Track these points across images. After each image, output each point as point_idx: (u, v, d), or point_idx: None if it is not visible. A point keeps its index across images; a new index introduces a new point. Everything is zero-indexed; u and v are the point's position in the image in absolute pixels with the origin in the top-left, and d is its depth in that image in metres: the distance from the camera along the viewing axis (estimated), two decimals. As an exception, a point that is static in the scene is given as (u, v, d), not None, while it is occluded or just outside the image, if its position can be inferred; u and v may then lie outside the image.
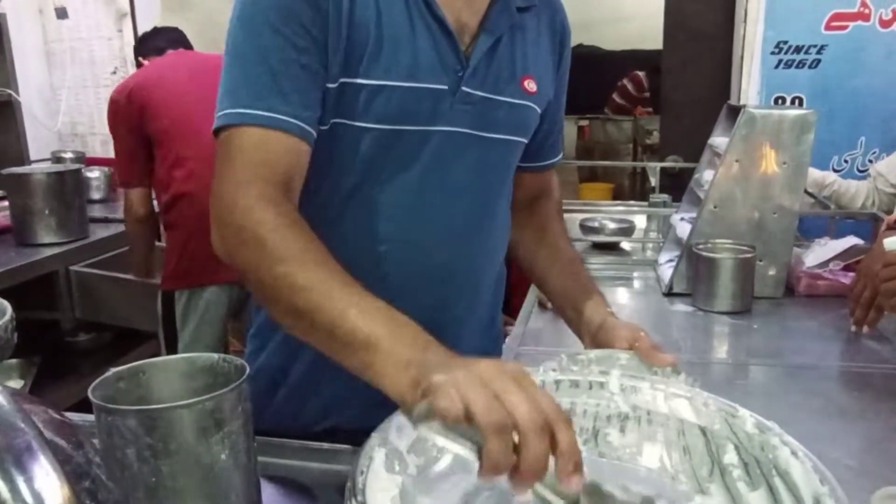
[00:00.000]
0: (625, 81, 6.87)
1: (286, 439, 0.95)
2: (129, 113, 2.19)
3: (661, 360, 0.83)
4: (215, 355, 0.81)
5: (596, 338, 0.93)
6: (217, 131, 0.85)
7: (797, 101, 2.72)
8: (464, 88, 0.93)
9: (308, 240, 0.79)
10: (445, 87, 0.92)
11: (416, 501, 0.68)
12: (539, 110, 1.04)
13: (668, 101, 3.25)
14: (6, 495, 0.38)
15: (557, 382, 0.82)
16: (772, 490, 0.68)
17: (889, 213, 1.87)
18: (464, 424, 0.56)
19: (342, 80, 0.88)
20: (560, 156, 1.19)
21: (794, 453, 0.67)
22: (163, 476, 0.69)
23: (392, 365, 0.66)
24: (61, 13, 3.32)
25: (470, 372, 0.59)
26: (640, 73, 6.72)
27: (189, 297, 2.25)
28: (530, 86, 1.00)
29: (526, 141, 1.05)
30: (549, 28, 1.06)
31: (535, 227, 1.15)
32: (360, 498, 0.59)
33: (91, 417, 0.72)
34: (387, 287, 0.95)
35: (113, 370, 0.76)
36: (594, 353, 0.85)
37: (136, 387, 0.77)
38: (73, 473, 0.41)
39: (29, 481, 0.39)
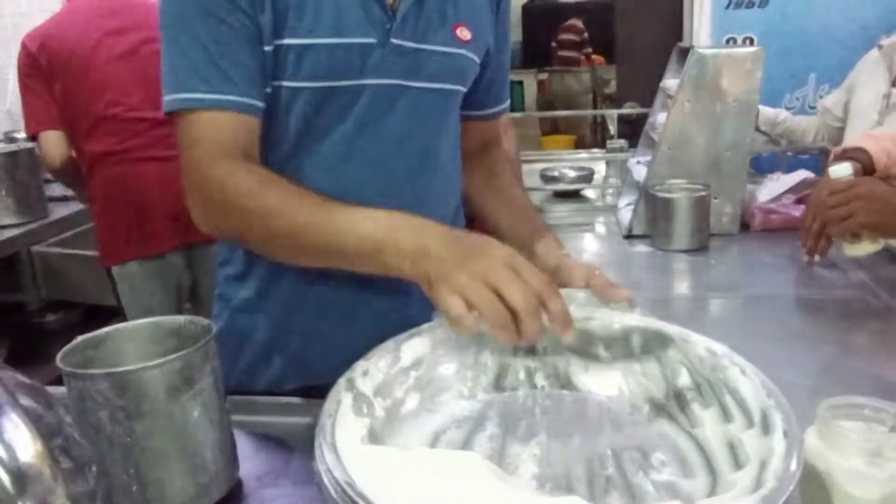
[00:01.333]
0: (563, 34, 6.87)
1: (258, 396, 0.97)
2: (38, 64, 2.08)
3: (617, 295, 0.86)
4: (181, 318, 0.82)
5: (553, 279, 0.95)
6: (169, 114, 0.89)
7: (748, 41, 2.74)
8: (393, 41, 0.94)
9: (282, 187, 0.86)
10: (374, 41, 0.93)
11: (384, 442, 0.70)
12: (477, 59, 1.05)
13: (623, 48, 3.27)
14: (-22, 450, 0.39)
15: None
16: (723, 407, 0.71)
17: (837, 145, 1.91)
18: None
19: (275, 42, 0.90)
20: (506, 104, 1.20)
21: (742, 372, 0.71)
22: (137, 436, 0.70)
23: (404, 261, 0.77)
24: (1, -11, 3.23)
25: (470, 274, 0.71)
26: (575, 20, 6.72)
27: (122, 273, 2.15)
28: (464, 34, 1.01)
29: (464, 89, 1.06)
30: None
31: (484, 174, 1.16)
32: (329, 439, 0.61)
33: (64, 390, 0.72)
34: None
35: (80, 337, 0.77)
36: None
37: (104, 353, 0.78)
38: (45, 432, 0.42)
39: (0, 437, 0.40)
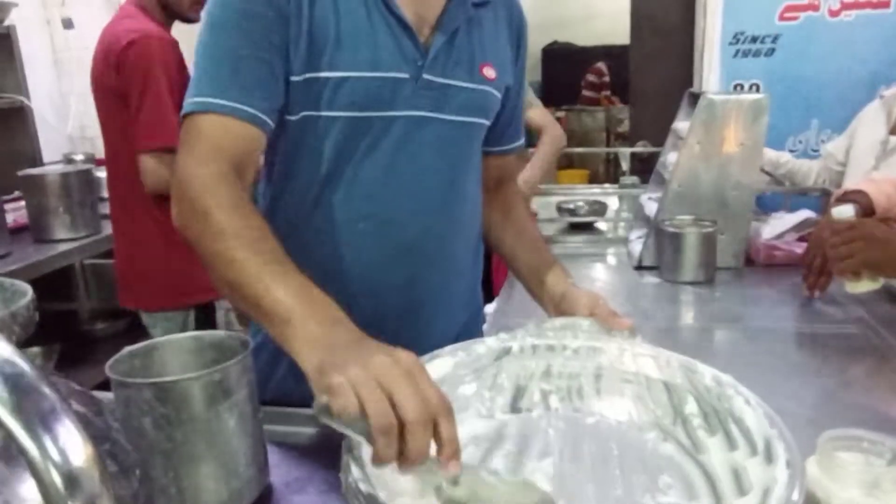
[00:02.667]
0: (588, 75, 6.91)
1: (289, 408, 0.97)
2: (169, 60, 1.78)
3: (619, 324, 0.86)
4: (221, 332, 0.83)
5: (559, 307, 0.96)
6: (183, 118, 0.87)
7: (754, 88, 2.74)
8: (425, 76, 0.96)
9: (248, 218, 0.79)
10: (407, 76, 0.94)
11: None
12: (499, 95, 1.06)
13: (637, 91, 3.27)
14: (34, 453, 0.39)
15: (535, 347, 0.84)
16: (728, 435, 0.70)
17: (838, 188, 1.90)
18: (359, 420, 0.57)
19: (307, 74, 0.90)
20: (521, 141, 1.21)
21: (747, 402, 0.70)
22: (177, 442, 0.70)
23: (302, 341, 0.67)
24: (67, 24, 3.30)
25: (367, 370, 0.59)
26: (600, 64, 6.77)
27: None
28: (489, 72, 1.02)
29: (487, 123, 1.07)
30: (506, 22, 1.08)
31: (501, 209, 1.17)
32: (356, 453, 0.61)
33: (110, 395, 0.73)
34: (366, 262, 0.98)
35: (127, 348, 0.78)
36: (558, 321, 0.87)
37: (149, 363, 0.79)
38: (94, 436, 0.42)
39: (55, 440, 0.40)
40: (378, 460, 0.58)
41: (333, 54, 0.90)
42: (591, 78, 6.92)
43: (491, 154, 1.15)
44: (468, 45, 1.00)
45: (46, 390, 0.42)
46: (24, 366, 0.42)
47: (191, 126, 0.86)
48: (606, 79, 6.72)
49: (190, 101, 0.86)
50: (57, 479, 0.39)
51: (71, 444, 0.40)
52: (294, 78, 0.91)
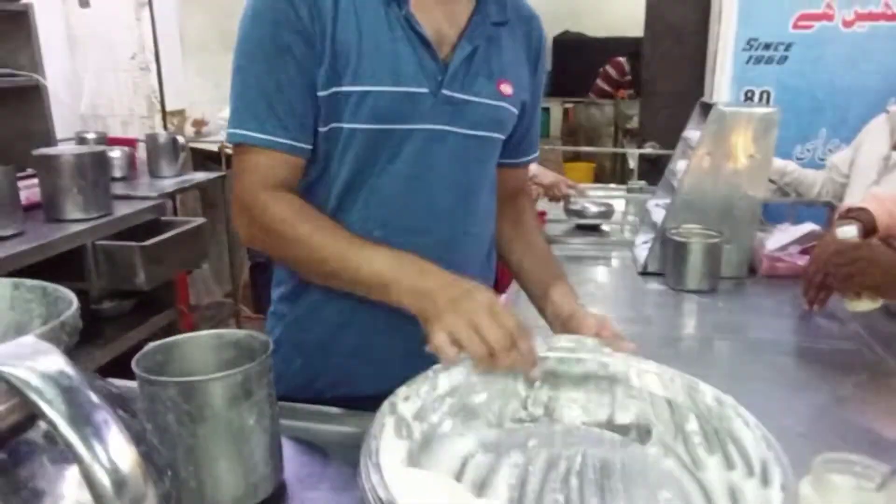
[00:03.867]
0: (607, 67, 6.85)
1: (304, 404, 1.00)
2: None
3: (623, 347, 0.90)
4: (241, 332, 0.86)
5: (566, 325, 0.99)
6: (233, 145, 0.98)
7: (765, 95, 2.75)
8: (444, 91, 0.98)
9: (310, 219, 0.95)
10: (427, 91, 0.97)
11: (420, 462, 0.72)
12: (515, 111, 1.09)
13: (648, 91, 3.28)
14: (89, 462, 0.42)
15: (544, 359, 0.87)
16: (726, 455, 0.73)
17: (840, 200, 1.92)
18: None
19: (333, 89, 0.95)
20: (536, 154, 1.24)
21: (746, 424, 0.73)
22: (199, 438, 0.73)
23: (403, 296, 0.87)
24: (83, 2, 3.30)
25: (458, 315, 0.81)
26: (622, 59, 6.70)
27: None
28: (506, 89, 1.05)
29: (503, 137, 1.10)
30: (524, 39, 1.11)
31: (512, 221, 1.20)
32: (374, 459, 0.64)
33: (127, 383, 0.76)
34: None
35: (151, 344, 0.81)
36: (564, 339, 0.90)
37: (172, 359, 0.81)
38: (132, 440, 0.45)
39: (106, 449, 0.43)
40: (479, 371, 0.83)
41: (356, 69, 0.94)
42: (610, 71, 6.84)
43: (505, 166, 1.17)
44: (486, 63, 1.03)
45: (97, 401, 0.45)
46: (76, 377, 0.45)
47: (242, 157, 0.97)
48: (628, 77, 6.63)
49: (233, 131, 0.96)
50: (107, 484, 0.42)
51: (119, 452, 0.43)
52: (321, 93, 0.95)
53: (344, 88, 0.94)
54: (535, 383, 0.86)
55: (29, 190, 2.41)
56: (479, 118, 1.03)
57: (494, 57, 1.04)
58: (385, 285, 0.88)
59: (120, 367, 0.75)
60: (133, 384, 0.76)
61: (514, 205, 1.21)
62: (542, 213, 2.17)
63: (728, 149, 1.68)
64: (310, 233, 0.93)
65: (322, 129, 0.97)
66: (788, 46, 2.69)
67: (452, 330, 0.80)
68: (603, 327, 0.94)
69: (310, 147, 0.98)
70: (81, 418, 0.43)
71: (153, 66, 3.41)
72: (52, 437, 0.54)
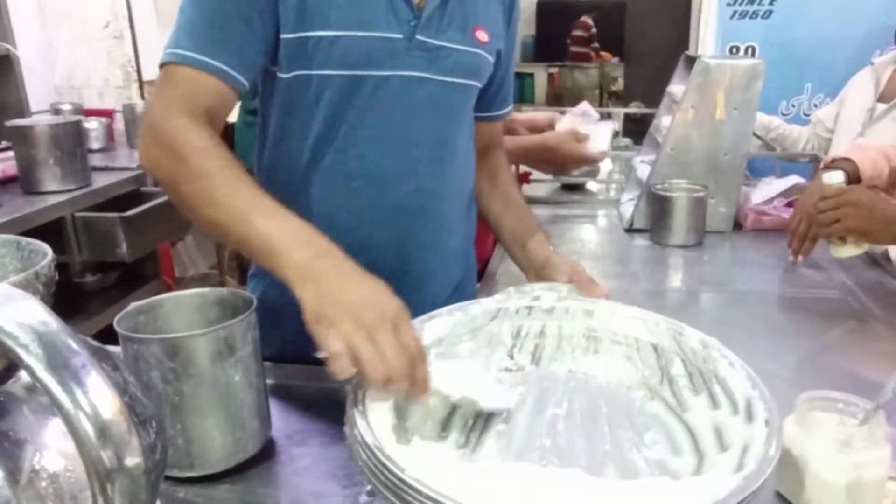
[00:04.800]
0: (575, 30, 6.85)
1: (290, 363, 1.00)
2: None
3: (596, 291, 0.91)
4: (225, 290, 0.86)
5: (540, 273, 1.01)
6: (161, 66, 0.91)
7: (750, 50, 2.74)
8: (418, 37, 0.97)
9: (225, 158, 0.84)
10: (400, 36, 0.96)
11: (407, 410, 0.73)
12: (491, 59, 1.08)
13: (632, 50, 3.27)
14: (69, 407, 0.42)
15: (529, 308, 0.88)
16: (711, 395, 0.74)
17: (825, 154, 1.93)
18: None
19: (299, 33, 0.92)
20: (510, 107, 1.23)
21: (730, 364, 0.74)
22: (184, 395, 0.74)
23: (292, 270, 0.75)
24: (53, -31, 3.23)
25: (357, 325, 0.69)
26: (585, 18, 6.70)
27: None
28: (482, 36, 1.04)
29: (479, 85, 1.09)
30: None
31: (487, 174, 1.20)
32: (360, 407, 0.64)
33: (115, 348, 0.76)
34: (361, 220, 1.01)
35: (134, 304, 0.80)
36: (538, 286, 0.91)
37: (154, 319, 0.81)
38: (115, 388, 0.45)
39: (86, 394, 0.43)
40: (368, 387, 0.69)
41: (326, 13, 0.92)
42: (577, 32, 6.84)
43: (479, 120, 1.17)
44: (461, 8, 1.01)
45: (77, 347, 0.45)
46: (55, 324, 0.45)
47: (167, 76, 0.90)
48: (594, 30, 6.65)
49: (169, 51, 0.89)
50: (89, 429, 0.42)
51: (101, 398, 0.43)
52: (285, 35, 0.93)
53: (313, 33, 0.92)
54: (521, 332, 0.86)
55: (4, 163, 2.38)
56: (455, 65, 1.02)
57: (469, 4, 1.03)
58: (272, 254, 0.77)
59: (105, 343, 0.74)
60: (117, 349, 0.75)
61: (489, 159, 1.21)
62: (527, 174, 2.16)
63: (713, 102, 1.68)
64: (216, 170, 0.82)
65: (285, 76, 0.96)
66: (773, 0, 2.67)
67: (351, 342, 0.68)
68: (576, 273, 0.95)
69: (245, 83, 0.92)
70: (60, 363, 0.43)
71: (128, 35, 3.35)
72: (33, 388, 0.54)
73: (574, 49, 6.92)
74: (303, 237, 0.77)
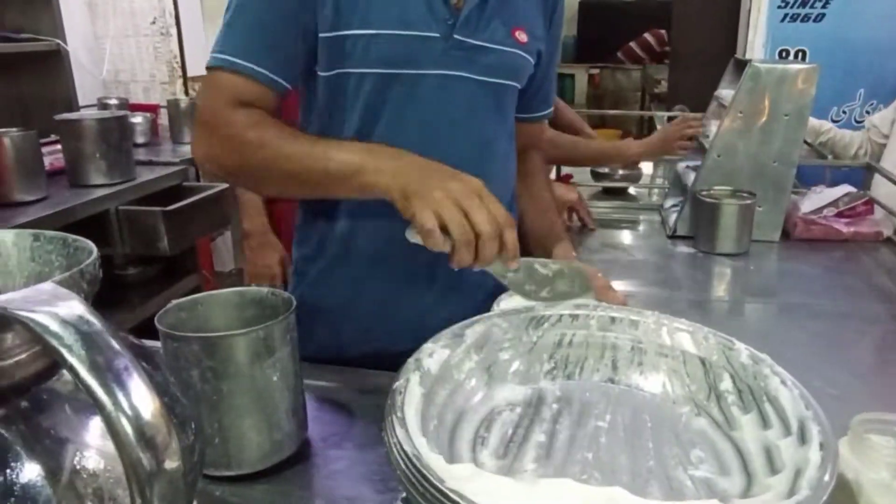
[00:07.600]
0: (647, 35, 6.74)
1: (328, 364, 1.00)
2: None
3: (615, 298, 0.89)
4: (264, 289, 0.85)
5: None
6: (207, 69, 0.94)
7: (801, 54, 2.68)
8: (456, 36, 0.97)
9: (276, 124, 0.91)
10: (438, 35, 0.96)
11: (445, 419, 0.72)
12: (531, 60, 1.06)
13: (677, 52, 3.21)
14: (110, 409, 0.41)
15: (573, 316, 0.86)
16: (762, 414, 0.71)
17: (878, 162, 1.87)
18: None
19: (338, 31, 0.93)
20: (550, 109, 1.21)
21: (783, 382, 0.71)
22: (223, 394, 0.73)
23: (380, 176, 0.83)
24: (103, -34, 3.29)
25: (446, 194, 0.77)
26: (664, 32, 6.58)
27: None
28: (521, 36, 1.03)
29: (519, 86, 1.08)
30: None
31: (523, 175, 1.19)
32: (399, 414, 0.63)
33: (156, 344, 0.76)
34: (395, 219, 1.00)
35: (174, 301, 0.80)
36: (554, 265, 0.89)
37: (194, 316, 0.81)
38: (157, 391, 0.44)
39: (127, 396, 0.42)
40: (457, 264, 0.78)
41: (364, 11, 0.92)
42: (650, 39, 6.72)
43: (518, 121, 1.15)
44: (500, 8, 1.00)
45: (119, 347, 0.44)
46: (98, 324, 0.45)
47: (213, 80, 0.93)
48: (667, 49, 6.52)
49: (216, 55, 0.92)
50: (130, 432, 0.41)
51: (142, 400, 0.42)
52: (324, 34, 0.93)
53: (351, 31, 0.93)
54: (563, 341, 0.84)
55: (52, 156, 2.43)
56: (494, 64, 1.01)
57: (509, 4, 1.01)
58: (357, 171, 0.84)
59: (145, 335, 0.74)
60: (157, 344, 0.76)
61: (524, 161, 1.20)
62: (569, 176, 2.14)
63: (763, 107, 1.64)
64: (275, 136, 0.90)
65: (325, 74, 0.96)
66: (826, 3, 2.60)
67: (440, 208, 0.76)
68: (596, 279, 0.93)
69: (288, 87, 0.95)
70: (102, 364, 0.43)
71: (174, 31, 3.40)
72: (76, 386, 0.54)
73: (634, 49, 6.79)
74: (379, 150, 0.86)
